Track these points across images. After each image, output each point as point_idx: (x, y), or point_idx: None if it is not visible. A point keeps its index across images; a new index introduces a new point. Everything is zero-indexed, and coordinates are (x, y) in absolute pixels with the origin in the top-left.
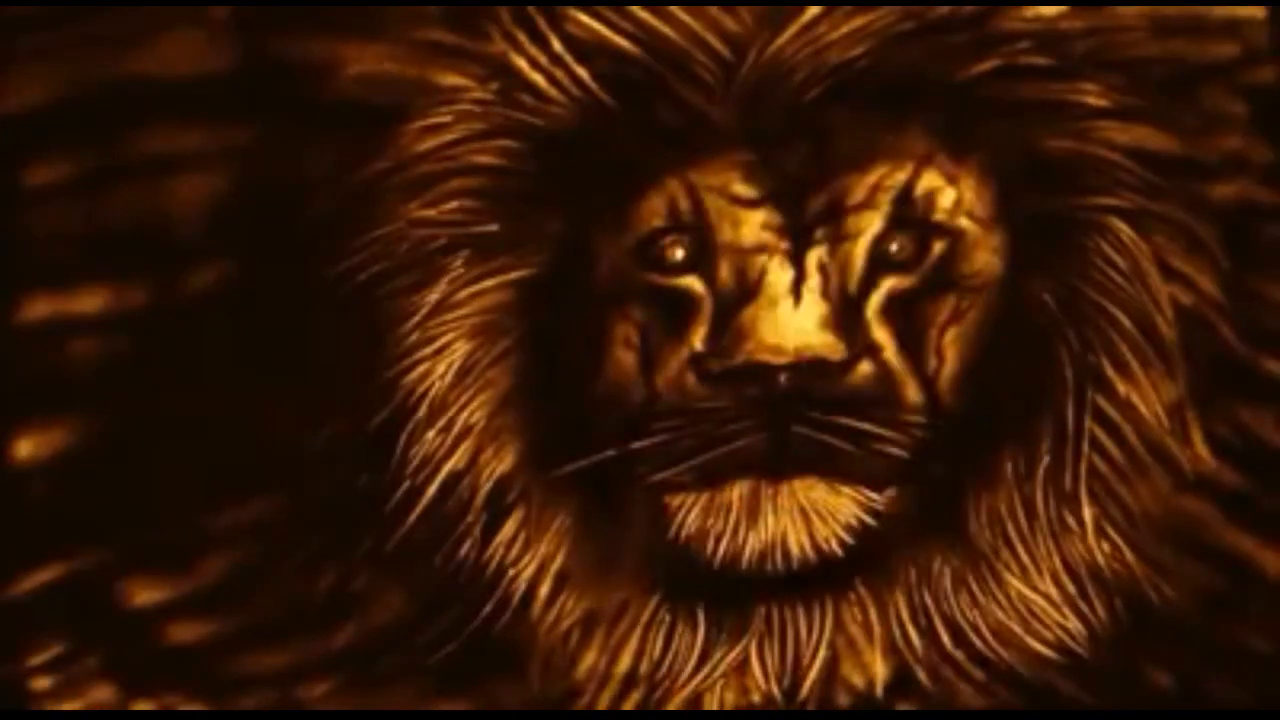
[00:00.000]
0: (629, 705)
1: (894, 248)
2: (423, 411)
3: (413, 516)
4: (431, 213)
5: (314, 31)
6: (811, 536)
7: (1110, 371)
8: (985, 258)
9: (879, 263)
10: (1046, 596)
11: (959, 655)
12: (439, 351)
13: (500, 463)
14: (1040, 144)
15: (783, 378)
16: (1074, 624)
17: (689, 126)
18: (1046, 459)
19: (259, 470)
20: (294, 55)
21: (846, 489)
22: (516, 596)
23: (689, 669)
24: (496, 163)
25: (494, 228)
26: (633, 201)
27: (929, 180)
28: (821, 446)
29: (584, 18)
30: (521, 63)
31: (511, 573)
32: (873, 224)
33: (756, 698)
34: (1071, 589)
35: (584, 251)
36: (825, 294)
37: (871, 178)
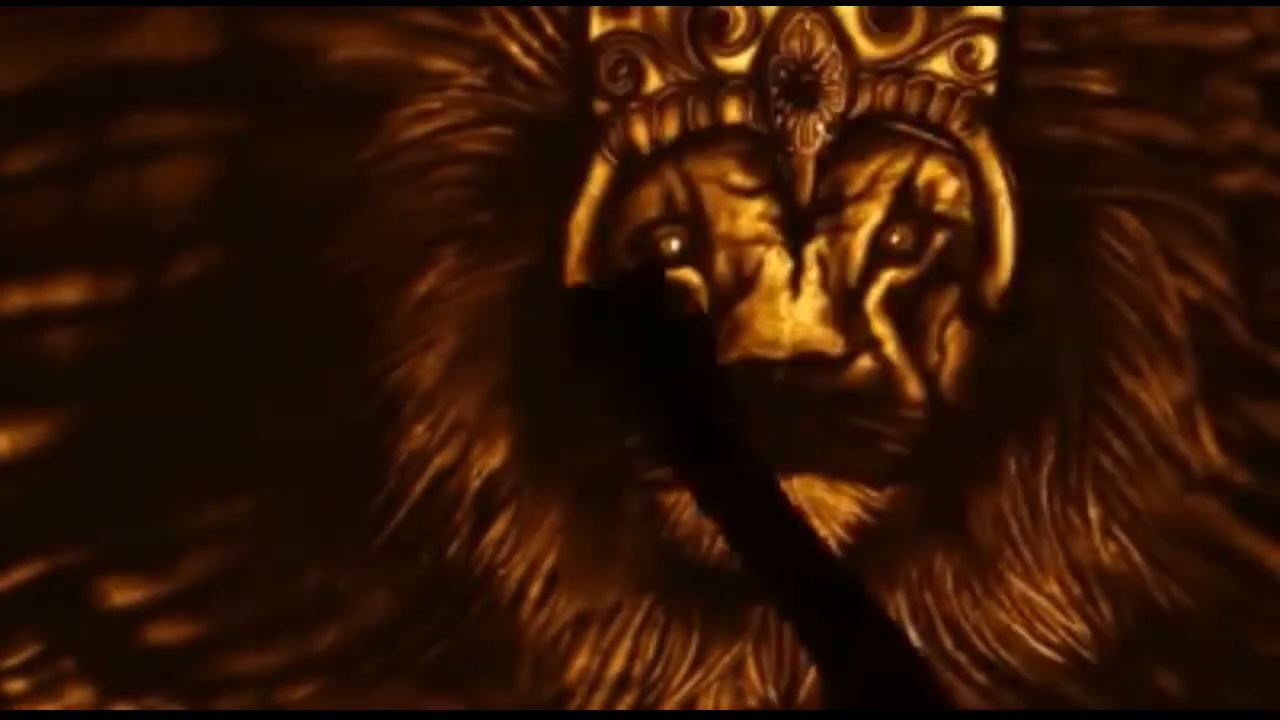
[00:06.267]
0: (621, 709)
1: (895, 239)
2: (411, 406)
3: (400, 514)
4: (421, 202)
5: (300, 14)
6: None
7: (1117, 367)
8: (988, 250)
9: (879, 254)
10: (1051, 598)
11: (961, 657)
12: (428, 344)
13: (490, 459)
14: (1044, 132)
15: (780, 373)
16: (1079, 626)
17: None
18: (1051, 457)
19: (242, 466)
20: (280, 39)
21: (846, 487)
22: (506, 596)
23: (683, 671)
24: (488, 150)
25: (485, 218)
26: (627, 191)
27: (930, 170)
28: (820, 443)
29: None
30: (514, 47)
31: (501, 572)
32: (873, 215)
33: (753, 701)
34: (1077, 590)
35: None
36: (824, 286)
37: (871, 167)
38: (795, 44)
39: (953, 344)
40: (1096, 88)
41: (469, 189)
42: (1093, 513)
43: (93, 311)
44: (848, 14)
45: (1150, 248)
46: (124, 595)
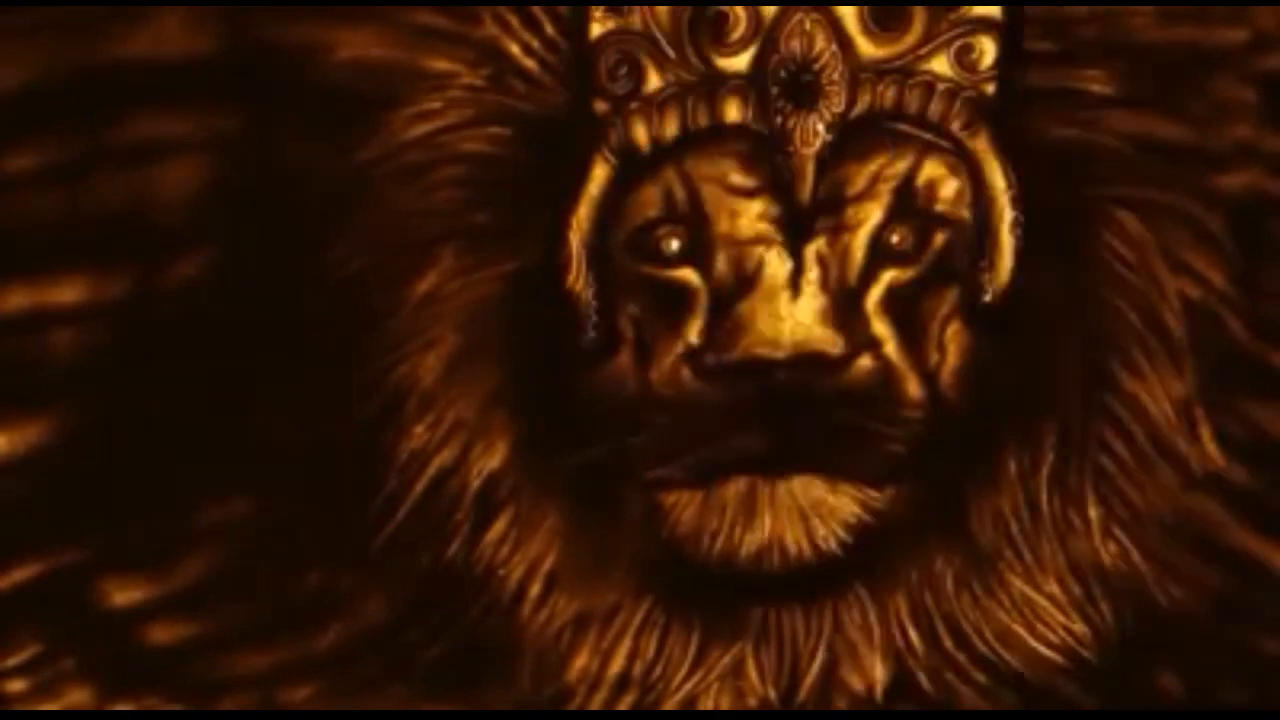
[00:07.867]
0: (621, 709)
1: (895, 239)
2: (411, 406)
3: (400, 514)
4: (421, 202)
5: (301, 14)
6: (809, 536)
7: (1117, 368)
8: (988, 250)
9: (880, 254)
10: (1051, 598)
11: (961, 658)
12: (428, 344)
13: (490, 459)
14: (1045, 133)
15: (780, 373)
16: (1079, 626)
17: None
18: (1051, 457)
19: (242, 466)
20: (281, 39)
21: (846, 487)
22: (506, 597)
23: (683, 672)
24: (487, 151)
25: (485, 218)
26: (627, 191)
27: (931, 169)
28: (820, 444)
29: None
30: (514, 47)
31: (501, 572)
32: (873, 214)
33: (752, 701)
34: (1077, 590)
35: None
36: (824, 286)
37: (872, 166)
38: (795, 44)
39: (953, 344)
40: (1096, 88)
41: (469, 189)
42: (1093, 513)
43: (93, 311)
44: (848, 14)
45: (1150, 248)
46: (124, 595)
